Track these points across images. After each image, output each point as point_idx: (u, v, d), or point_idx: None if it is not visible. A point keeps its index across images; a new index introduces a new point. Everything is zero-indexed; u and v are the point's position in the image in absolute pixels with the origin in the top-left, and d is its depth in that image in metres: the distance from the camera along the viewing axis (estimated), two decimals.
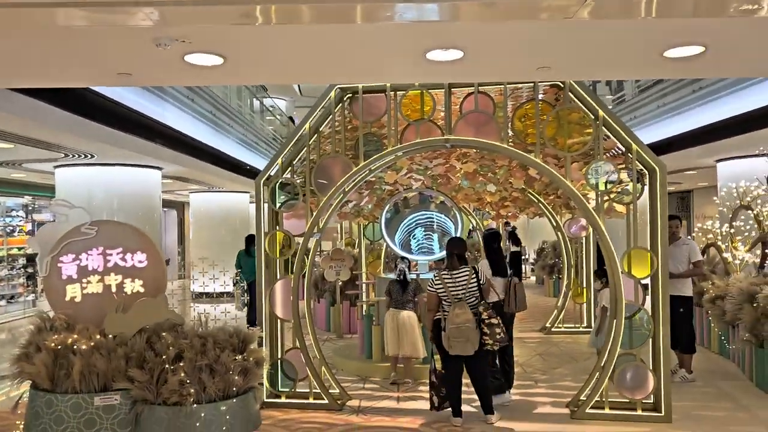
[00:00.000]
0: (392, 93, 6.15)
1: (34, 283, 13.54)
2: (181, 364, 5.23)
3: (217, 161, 12.35)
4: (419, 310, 7.10)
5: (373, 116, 6.29)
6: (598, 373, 5.77)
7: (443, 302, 5.59)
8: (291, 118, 24.73)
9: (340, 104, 6.28)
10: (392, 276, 7.42)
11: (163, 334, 5.49)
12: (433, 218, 9.05)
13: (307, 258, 6.32)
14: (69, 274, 5.76)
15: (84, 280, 5.76)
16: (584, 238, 10.04)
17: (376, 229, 10.32)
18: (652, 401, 5.67)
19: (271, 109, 19.44)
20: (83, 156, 9.65)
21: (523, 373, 7.35)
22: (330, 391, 6.18)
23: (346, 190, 6.39)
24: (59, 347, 5.26)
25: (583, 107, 5.75)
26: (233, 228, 17.00)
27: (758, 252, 8.03)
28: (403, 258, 7.36)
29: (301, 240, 6.24)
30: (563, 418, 5.71)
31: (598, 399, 5.64)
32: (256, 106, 17.37)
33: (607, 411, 5.63)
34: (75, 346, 5.25)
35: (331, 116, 6.25)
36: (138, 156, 9.67)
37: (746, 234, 8.31)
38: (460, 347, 5.39)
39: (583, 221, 10.26)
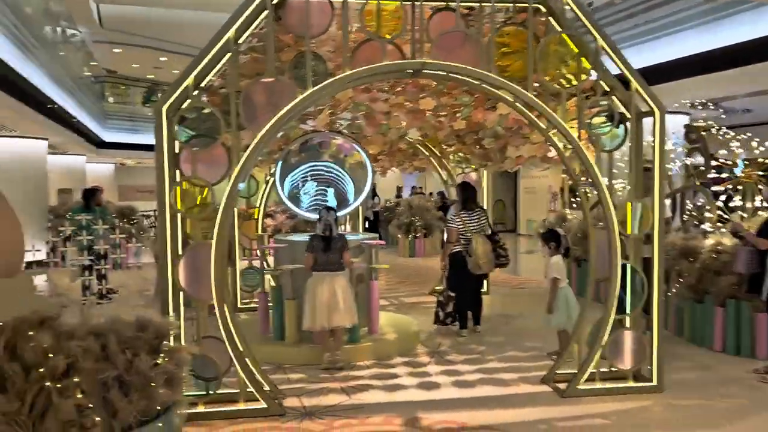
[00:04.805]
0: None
1: None
2: (76, 379, 3.39)
3: (22, 94, 9.47)
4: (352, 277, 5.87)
5: (314, 28, 4.75)
6: (576, 346, 5.10)
7: (461, 236, 6.81)
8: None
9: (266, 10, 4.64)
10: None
11: (31, 333, 3.54)
12: (324, 169, 7.72)
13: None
14: None
15: None
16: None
17: (250, 185, 8.66)
18: (638, 370, 5.10)
19: (73, 39, 15.95)
20: None
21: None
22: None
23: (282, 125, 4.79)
24: None
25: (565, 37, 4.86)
26: (28, 181, 13.69)
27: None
28: (329, 208, 5.90)
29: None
30: (551, 398, 4.92)
31: (592, 371, 4.93)
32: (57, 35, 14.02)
33: (599, 386, 4.96)
34: None
35: (262, 16, 4.59)
36: None
37: None
38: (487, 267, 6.76)
39: (474, 176, 9.69)
